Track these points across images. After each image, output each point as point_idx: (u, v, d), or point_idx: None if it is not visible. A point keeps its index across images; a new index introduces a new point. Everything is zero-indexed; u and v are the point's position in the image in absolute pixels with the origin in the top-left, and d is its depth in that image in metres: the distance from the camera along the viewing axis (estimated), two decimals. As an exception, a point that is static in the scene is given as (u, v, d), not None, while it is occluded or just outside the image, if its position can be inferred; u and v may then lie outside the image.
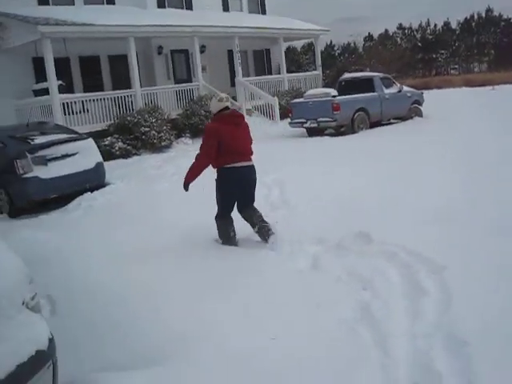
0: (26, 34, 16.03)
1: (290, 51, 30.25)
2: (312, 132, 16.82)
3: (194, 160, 6.55)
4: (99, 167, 11.36)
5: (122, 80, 18.86)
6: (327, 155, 12.25)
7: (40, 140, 10.67)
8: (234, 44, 21.48)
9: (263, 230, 6.47)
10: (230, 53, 22.65)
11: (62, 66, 18.21)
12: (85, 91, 18.31)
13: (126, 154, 15.63)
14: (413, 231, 6.01)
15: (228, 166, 6.38)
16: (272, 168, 10.84)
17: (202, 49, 22.42)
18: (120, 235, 7.48)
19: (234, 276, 5.44)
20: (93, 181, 11.05)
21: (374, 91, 17.12)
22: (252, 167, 6.58)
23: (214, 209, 6.68)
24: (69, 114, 16.12)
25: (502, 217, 6.23)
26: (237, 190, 6.53)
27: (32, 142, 10.54)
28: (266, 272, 5.45)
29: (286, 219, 7.26)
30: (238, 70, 21.66)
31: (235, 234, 6.62)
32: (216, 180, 6.57)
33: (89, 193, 10.72)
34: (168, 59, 21.90)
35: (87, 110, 16.71)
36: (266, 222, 6.53)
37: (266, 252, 6.08)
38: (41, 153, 10.42)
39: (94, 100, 16.88)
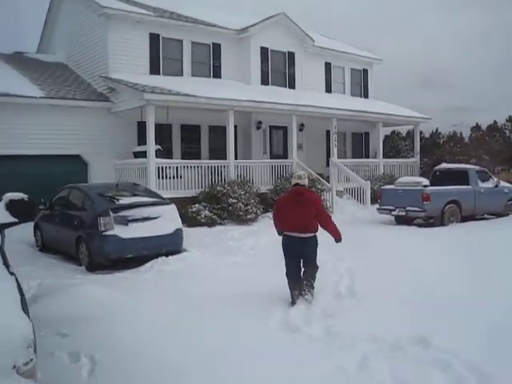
0: (133, 99, 16.99)
1: (389, 137, 29.97)
2: (400, 220, 16.41)
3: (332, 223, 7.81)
4: (178, 233, 11.57)
5: (218, 150, 19.42)
6: (410, 246, 11.84)
7: (125, 201, 11.07)
8: (332, 125, 21.67)
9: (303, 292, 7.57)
10: (328, 133, 22.83)
11: (164, 132, 19.14)
12: (183, 158, 19.03)
13: (211, 223, 15.85)
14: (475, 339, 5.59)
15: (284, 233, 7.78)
16: (350, 255, 10.63)
17: (301, 127, 22.81)
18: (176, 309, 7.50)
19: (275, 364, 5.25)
20: (169, 246, 11.25)
21: (468, 184, 16.58)
22: (300, 238, 7.56)
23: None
24: (163, 178, 16.67)
25: None
26: (287, 254, 7.76)
27: (117, 202, 10.94)
28: (309, 365, 5.21)
29: (347, 310, 7.00)
30: (334, 150, 21.74)
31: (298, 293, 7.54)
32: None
33: (164, 257, 10.90)
34: (266, 134, 22.40)
35: (181, 176, 17.22)
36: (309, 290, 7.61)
37: (315, 342, 5.85)
38: (124, 213, 10.80)
39: (188, 167, 17.41)
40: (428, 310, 6.74)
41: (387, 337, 5.79)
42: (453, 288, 7.78)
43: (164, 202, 11.80)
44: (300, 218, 7.48)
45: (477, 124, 55.44)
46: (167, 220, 11.32)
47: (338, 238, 7.79)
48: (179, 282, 9.07)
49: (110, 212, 10.67)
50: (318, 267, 7.79)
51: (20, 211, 4.45)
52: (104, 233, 10.56)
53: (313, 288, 7.61)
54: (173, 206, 11.70)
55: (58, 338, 6.26)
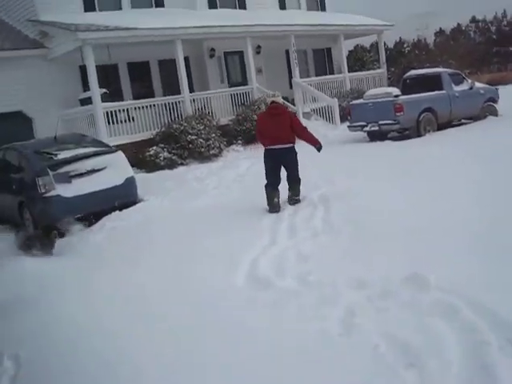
0: (68, 41, 15.34)
1: (353, 51, 28.50)
2: (373, 136, 15.28)
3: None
4: (130, 182, 10.35)
5: (173, 86, 17.89)
6: (386, 165, 10.70)
7: (64, 155, 9.78)
8: (291, 43, 20.19)
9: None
10: (288, 53, 21.35)
11: (110, 73, 17.57)
12: (134, 98, 17.54)
13: (171, 165, 14.63)
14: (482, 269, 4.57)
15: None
16: (323, 181, 9.56)
17: (258, 50, 21.27)
18: (136, 272, 6.38)
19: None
20: (122, 198, 10.05)
21: (442, 89, 15.34)
22: (281, 150, 8.35)
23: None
24: (113, 123, 15.30)
25: None
26: (268, 165, 8.52)
27: (55, 158, 9.66)
28: (281, 333, 4.17)
29: (324, 250, 5.94)
30: (295, 70, 20.35)
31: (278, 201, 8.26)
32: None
33: (117, 212, 9.74)
34: (221, 62, 20.81)
35: (132, 119, 15.85)
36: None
37: (287, 298, 4.79)
38: (64, 169, 9.53)
39: (140, 108, 15.99)
40: (422, 240, 5.66)
41: (375, 280, 4.74)
42: (439, 212, 6.68)
43: (109, 150, 10.51)
44: (278, 131, 8.28)
45: (440, 29, 54.07)
46: (115, 170, 10.05)
47: (316, 145, 8.64)
48: (134, 240, 7.92)
49: (49, 170, 9.40)
50: (300, 180, 8.52)
51: None
52: (45, 195, 9.32)
53: (299, 202, 8.43)
54: (120, 154, 10.41)
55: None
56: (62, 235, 8.92)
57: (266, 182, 8.44)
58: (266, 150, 8.53)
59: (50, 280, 6.28)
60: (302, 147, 8.85)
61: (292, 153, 8.45)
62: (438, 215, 6.40)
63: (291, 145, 8.42)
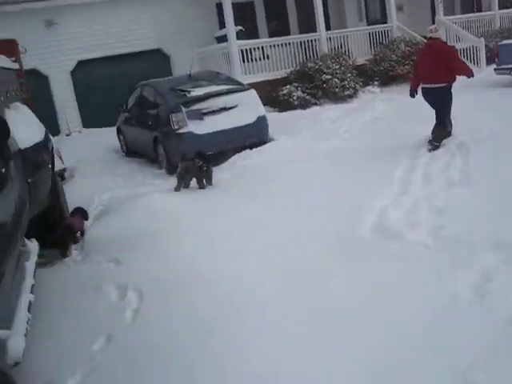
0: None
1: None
2: (523, 80, 14.02)
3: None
4: (261, 121, 10.21)
5: (309, 23, 17.39)
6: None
7: (197, 92, 9.83)
8: (436, -23, 18.83)
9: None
10: (433, -11, 19.95)
11: (246, 11, 17.41)
12: (270, 36, 17.31)
13: (304, 104, 14.36)
14: None
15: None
16: (461, 127, 8.90)
17: (399, -15, 20.08)
18: (258, 207, 6.32)
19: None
20: (253, 137, 9.98)
21: None
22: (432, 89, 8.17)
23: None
24: (248, 62, 15.23)
25: None
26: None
27: (188, 95, 9.73)
28: (407, 289, 3.89)
29: (461, 203, 5.47)
30: (439, 7, 18.99)
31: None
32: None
33: (247, 150, 9.71)
34: (360, -2, 19.93)
35: (267, 57, 15.65)
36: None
37: (417, 254, 4.46)
38: (197, 106, 9.60)
39: (274, 46, 15.76)
40: None
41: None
42: None
43: (241, 88, 10.40)
44: (432, 69, 8.05)
45: None
46: (247, 108, 9.94)
47: (470, 75, 8.26)
48: (261, 179, 7.81)
49: (182, 107, 9.50)
50: (445, 126, 8.26)
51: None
52: (178, 131, 9.46)
53: (437, 148, 7.94)
54: (252, 92, 10.26)
55: (110, 267, 5.34)
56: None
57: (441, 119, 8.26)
58: (422, 88, 8.42)
59: (177, 215, 6.36)
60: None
61: (443, 93, 8.19)
62: None
63: (445, 84, 8.13)
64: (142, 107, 11.24)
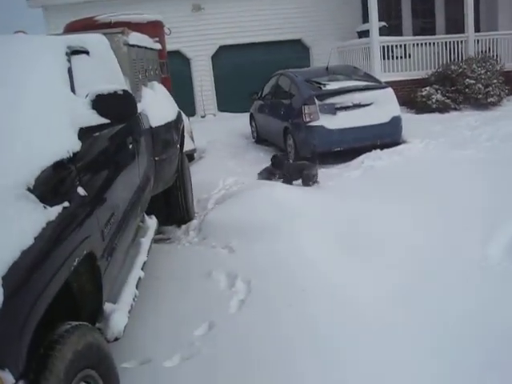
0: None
1: None
2: None
3: None
4: (395, 122, 9.84)
5: (457, 23, 16.59)
6: None
7: (333, 86, 9.66)
8: None
9: None
10: None
11: (393, 7, 16.94)
12: (414, 34, 16.74)
13: (443, 108, 13.69)
14: None
15: None
16: None
17: None
18: (378, 214, 6.05)
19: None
20: (385, 137, 9.64)
21: None
22: None
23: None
24: (388, 59, 14.80)
25: None
26: None
27: (323, 88, 9.59)
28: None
29: None
30: None
31: None
32: None
33: (378, 150, 9.41)
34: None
35: (409, 56, 15.12)
36: None
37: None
38: (331, 100, 9.43)
39: (418, 44, 15.16)
40: None
41: None
42: None
43: (379, 85, 10.10)
44: None
45: None
46: (382, 107, 9.64)
47: None
48: (387, 182, 7.51)
49: (316, 100, 9.38)
50: None
51: (113, 109, 3.56)
52: (309, 123, 9.35)
53: None
54: (389, 90, 9.93)
55: (223, 253, 5.34)
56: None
57: None
58: None
59: (294, 210, 6.25)
60: None
61: None
62: None
63: None
64: (276, 96, 11.27)
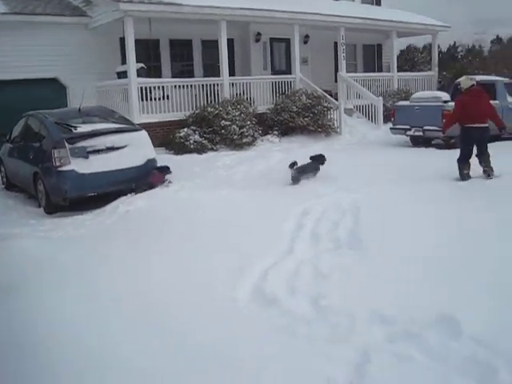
0: (110, 11, 14.82)
1: (404, 51, 27.38)
2: (416, 141, 14.44)
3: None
4: (150, 165, 9.75)
5: (214, 68, 17.23)
6: (429, 173, 9.91)
7: (84, 128, 9.25)
8: (340, 35, 19.34)
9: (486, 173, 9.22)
10: (336, 45, 20.44)
11: (151, 49, 17.00)
12: (173, 76, 17.00)
13: (200, 149, 14.01)
14: None
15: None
16: (355, 184, 8.84)
17: (305, 39, 20.54)
18: (135, 268, 5.78)
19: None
20: (140, 180, 9.46)
21: (495, 98, 14.33)
22: (478, 128, 9.33)
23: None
24: (147, 100, 14.75)
25: None
26: (465, 141, 9.53)
27: (74, 130, 9.13)
28: (272, 372, 3.51)
29: (346, 268, 5.21)
30: (342, 64, 19.51)
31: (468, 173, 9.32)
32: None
33: (133, 194, 9.18)
34: (266, 48, 20.03)
35: (167, 97, 15.27)
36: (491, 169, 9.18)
37: (295, 325, 4.12)
38: (83, 143, 9.02)
39: (176, 86, 15.38)
40: (449, 272, 4.91)
41: (400, 316, 4.03)
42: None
43: (133, 127, 9.94)
44: (479, 111, 9.33)
45: (497, 36, 51.91)
46: (137, 150, 9.47)
47: (502, 126, 9.83)
48: (143, 226, 7.31)
49: (66, 143, 8.88)
50: (489, 154, 9.35)
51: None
52: (59, 168, 8.82)
53: (492, 170, 9.18)
54: (143, 133, 9.81)
55: None
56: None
57: (459, 156, 9.48)
58: (464, 128, 9.48)
59: (41, 264, 5.73)
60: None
61: (487, 132, 9.51)
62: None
63: (487, 124, 9.46)
64: (25, 139, 10.52)
